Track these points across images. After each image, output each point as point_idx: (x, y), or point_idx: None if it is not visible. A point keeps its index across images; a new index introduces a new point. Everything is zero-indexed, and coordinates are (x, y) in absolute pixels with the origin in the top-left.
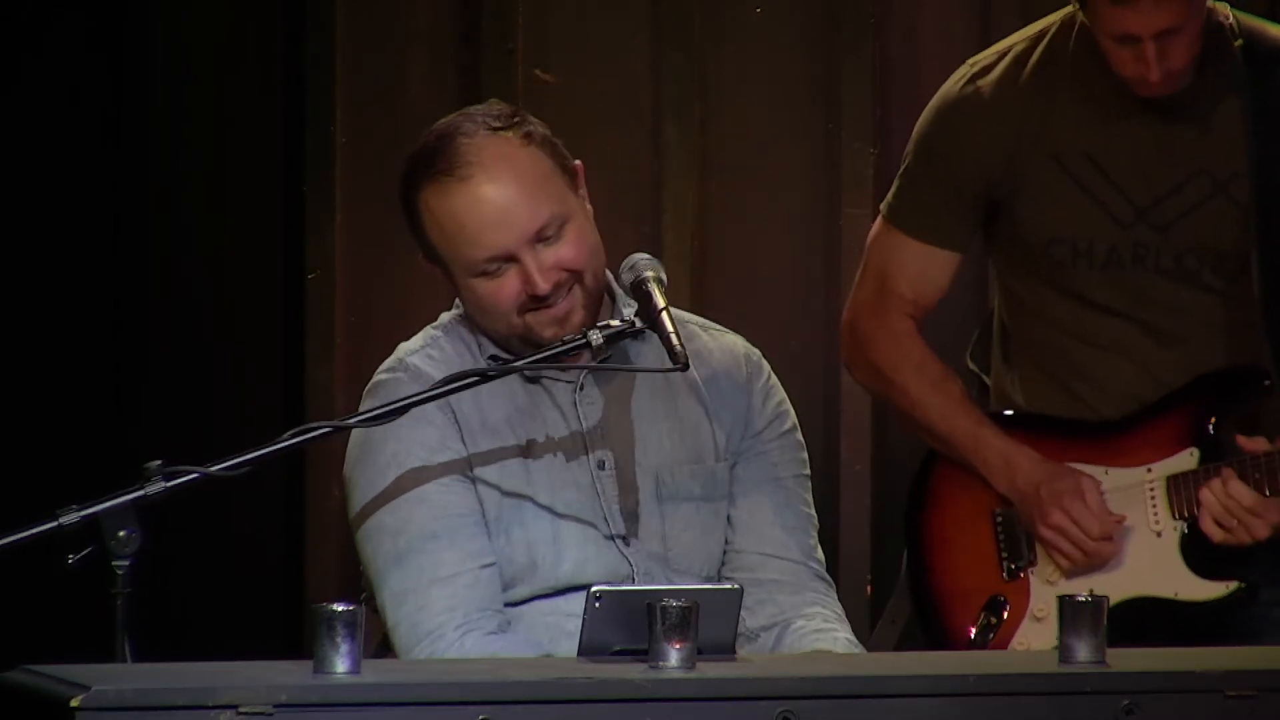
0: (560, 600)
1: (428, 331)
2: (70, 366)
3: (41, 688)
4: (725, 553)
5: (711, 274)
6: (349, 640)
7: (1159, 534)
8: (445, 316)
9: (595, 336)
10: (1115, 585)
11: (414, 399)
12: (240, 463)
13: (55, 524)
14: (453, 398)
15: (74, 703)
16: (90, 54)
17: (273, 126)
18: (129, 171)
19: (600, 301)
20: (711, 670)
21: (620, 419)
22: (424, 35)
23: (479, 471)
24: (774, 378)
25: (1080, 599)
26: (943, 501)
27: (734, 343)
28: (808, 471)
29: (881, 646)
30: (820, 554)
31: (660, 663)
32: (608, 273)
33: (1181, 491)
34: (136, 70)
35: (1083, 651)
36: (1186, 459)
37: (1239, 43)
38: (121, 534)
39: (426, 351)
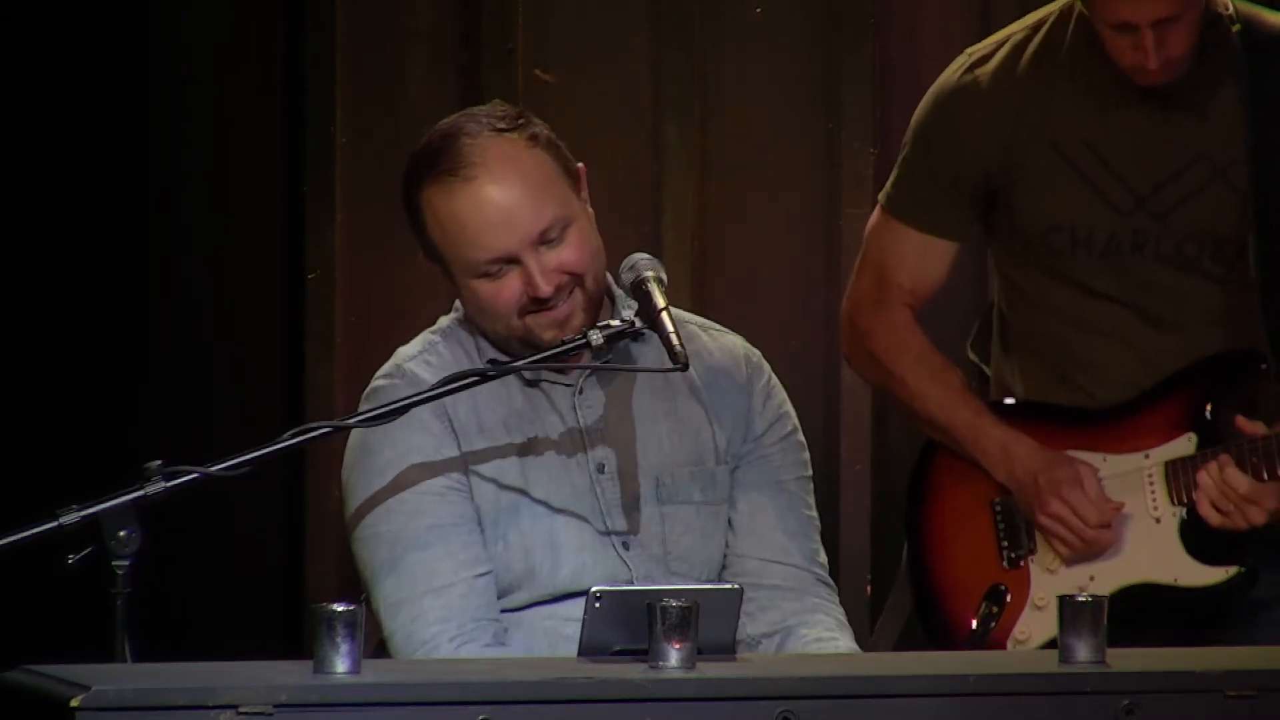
0: (559, 606)
1: (425, 336)
2: (70, 366)
3: (41, 688)
4: (726, 557)
5: (711, 274)
6: (349, 640)
7: (1158, 520)
8: (444, 321)
9: (595, 337)
10: (1115, 572)
11: (415, 399)
12: (240, 463)
13: (55, 524)
14: (449, 403)
15: (74, 703)
16: (90, 54)
17: (273, 126)
18: (129, 171)
19: (600, 305)
20: (711, 670)
21: (620, 421)
22: (424, 35)
23: (475, 478)
24: (774, 379)
25: (1080, 599)
26: (942, 492)
27: (734, 343)
28: (809, 473)
29: (883, 638)
30: (823, 557)
31: (660, 663)
32: (608, 275)
33: (1180, 477)
34: (136, 70)
35: (1083, 651)
36: (1184, 444)
37: (1237, 28)
38: (121, 534)
39: (424, 357)
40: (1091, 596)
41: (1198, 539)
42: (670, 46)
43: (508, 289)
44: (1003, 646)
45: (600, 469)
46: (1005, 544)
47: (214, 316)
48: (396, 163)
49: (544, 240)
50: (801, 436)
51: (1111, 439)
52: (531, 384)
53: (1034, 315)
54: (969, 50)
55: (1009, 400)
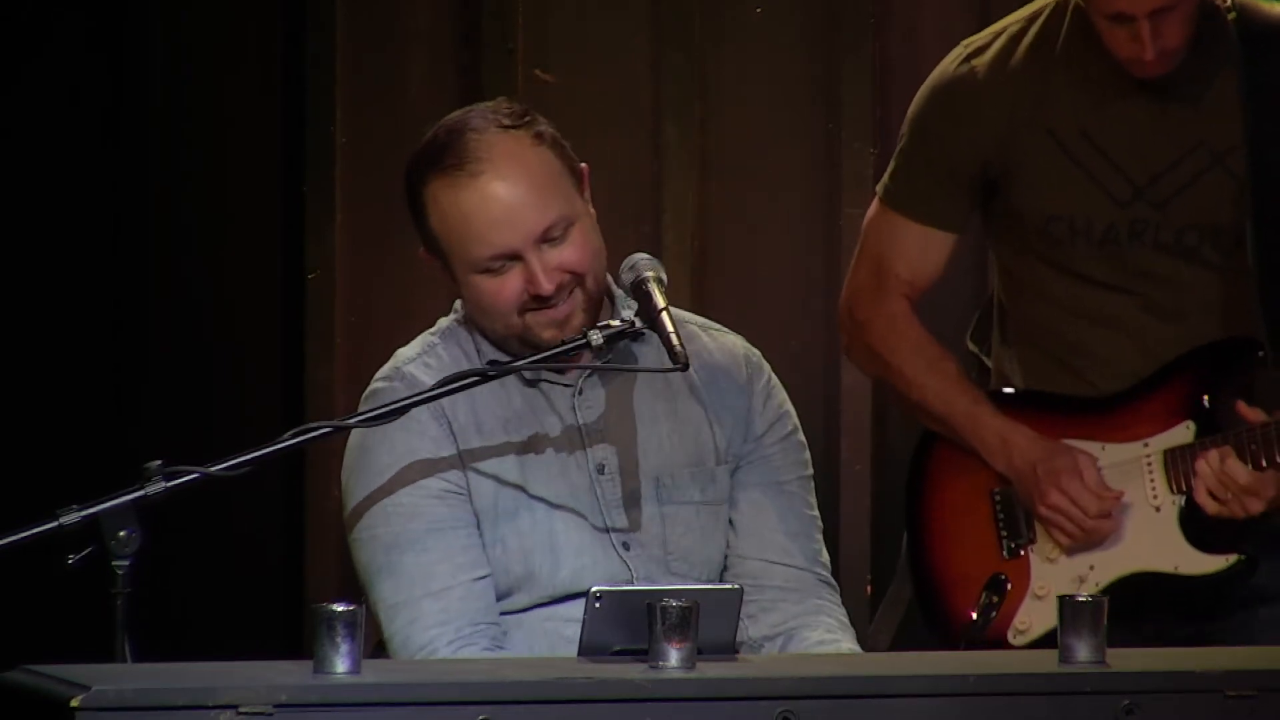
0: (559, 607)
1: (424, 338)
2: (70, 366)
3: (41, 688)
4: (728, 558)
5: (711, 274)
6: (349, 640)
7: (1158, 508)
8: (443, 322)
9: (595, 336)
10: (1115, 561)
11: (415, 398)
12: (240, 463)
13: (55, 524)
14: (448, 404)
15: (74, 703)
16: (90, 54)
17: (273, 126)
18: (129, 171)
19: (600, 305)
20: (711, 670)
21: (620, 421)
22: (424, 35)
23: (474, 477)
24: (774, 379)
25: (1080, 599)
26: (941, 483)
27: (734, 344)
28: (810, 472)
29: (883, 631)
30: (825, 557)
31: (660, 663)
32: (608, 275)
33: (1179, 465)
34: (136, 70)
35: (1083, 651)
36: (1183, 432)
37: (1233, 17)
38: (121, 534)
39: (423, 360)
40: (1091, 596)
41: (1197, 527)
42: (670, 46)
43: (509, 286)
44: (1003, 636)
45: (600, 470)
46: (1004, 534)
47: (214, 316)
48: (396, 163)
49: (547, 238)
50: (802, 436)
51: (1110, 428)
52: (531, 384)
53: (1033, 305)
54: (966, 41)
55: (1007, 390)
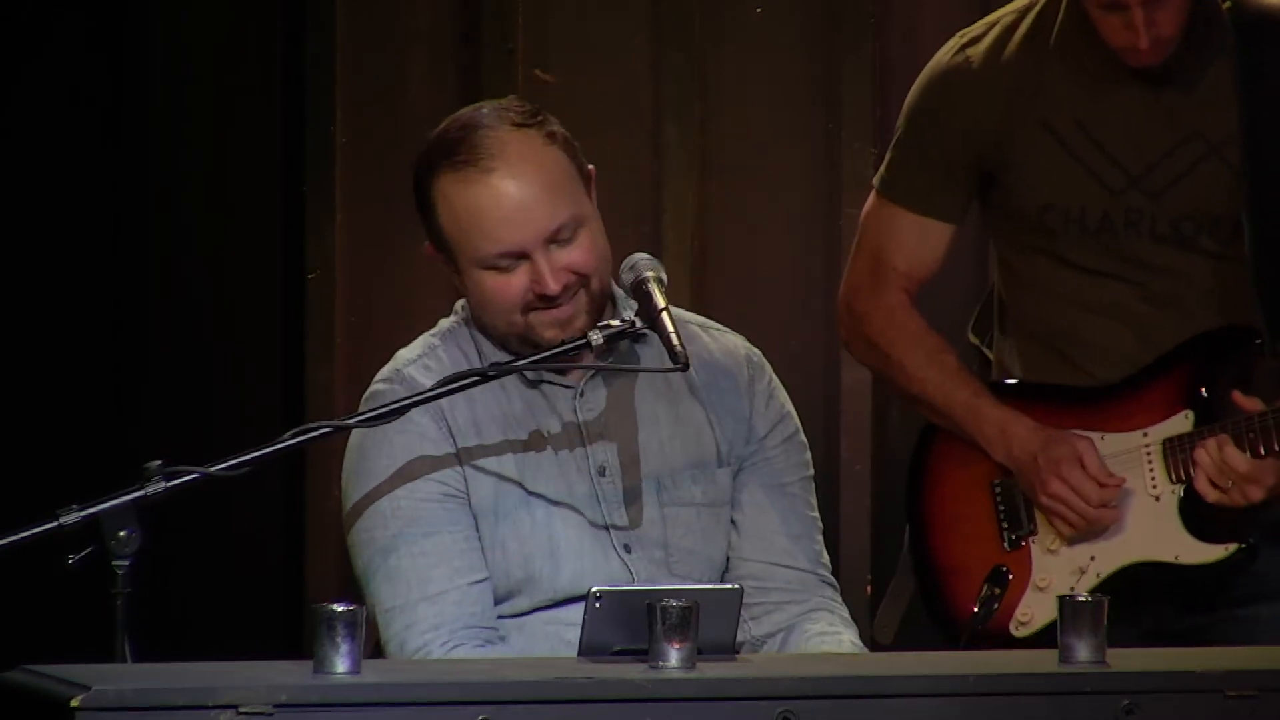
0: (560, 610)
1: (425, 340)
2: (70, 366)
3: (41, 688)
4: (729, 560)
5: (711, 274)
6: (349, 640)
7: (1157, 498)
8: (444, 323)
9: (595, 336)
10: (1115, 551)
11: (415, 399)
12: (240, 463)
13: (55, 524)
14: (447, 406)
15: (74, 703)
16: (90, 54)
17: (273, 126)
18: (129, 171)
19: (603, 309)
20: (711, 670)
21: (621, 423)
22: (424, 35)
23: (473, 480)
24: (776, 379)
25: (1080, 599)
26: (942, 475)
27: (735, 344)
28: (811, 473)
29: (885, 624)
30: (826, 558)
31: (660, 663)
32: (611, 279)
33: (1177, 455)
34: (136, 70)
35: (1083, 651)
36: (1181, 421)
37: (1227, 6)
38: (121, 534)
39: (423, 362)
40: (1092, 596)
41: (1197, 517)
42: (670, 46)
43: (514, 284)
44: (1005, 628)
45: (601, 472)
46: (1005, 525)
47: (214, 316)
48: (396, 163)
49: (556, 239)
50: (803, 437)
51: (1109, 418)
52: (532, 386)
53: (1031, 296)
54: (961, 32)
55: (1007, 381)
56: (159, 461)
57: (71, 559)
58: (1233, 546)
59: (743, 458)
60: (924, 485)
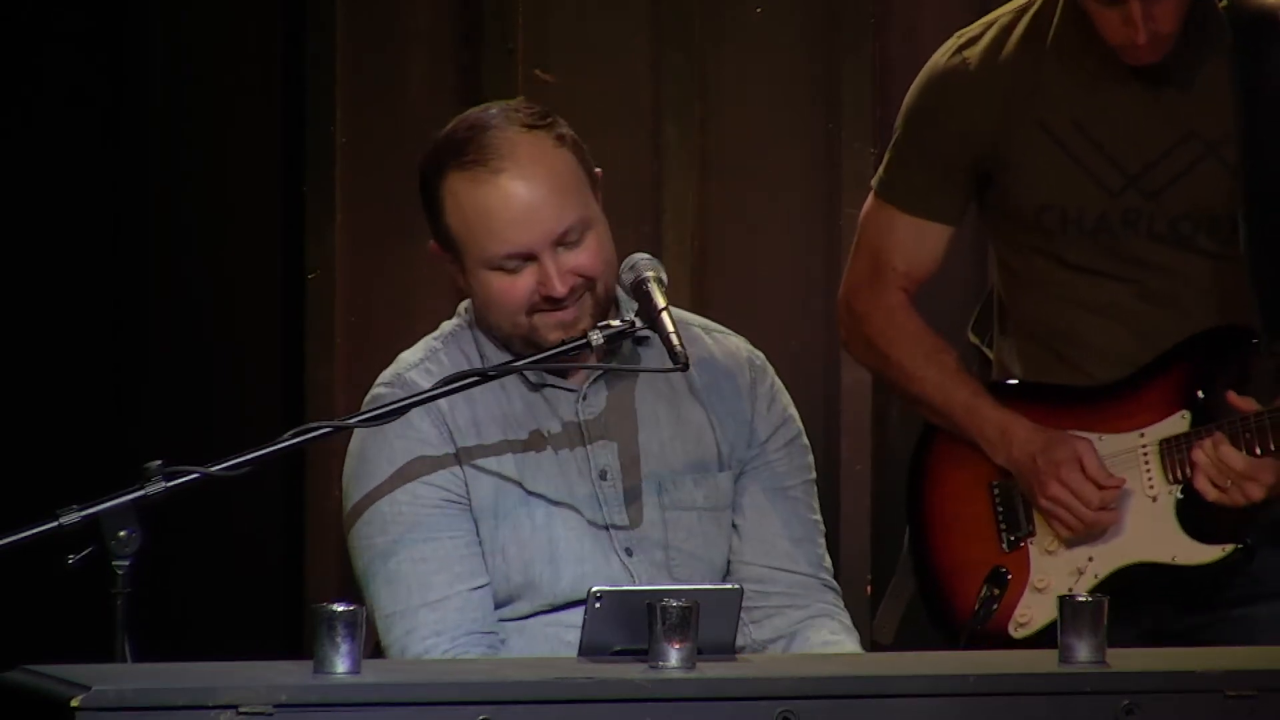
0: (561, 614)
1: (428, 342)
2: (70, 366)
3: (41, 688)
4: (731, 563)
5: (711, 274)
6: (349, 640)
7: (1154, 499)
8: (447, 325)
9: (595, 337)
10: (1113, 552)
11: (416, 399)
12: (240, 463)
13: (55, 524)
14: (448, 408)
15: (74, 703)
16: (90, 54)
17: (273, 126)
18: (129, 171)
19: (607, 312)
20: (711, 670)
21: (622, 424)
22: (424, 35)
23: (473, 480)
24: (778, 381)
25: (1080, 599)
26: (941, 475)
27: (737, 346)
28: (813, 476)
29: (885, 624)
30: (828, 561)
31: (660, 663)
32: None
33: (1175, 455)
34: (136, 70)
35: (1083, 651)
36: (1178, 422)
37: (1224, 4)
38: (121, 534)
39: (425, 365)
40: (1092, 596)
41: (1195, 517)
42: (670, 46)
43: (520, 285)
44: (1004, 629)
45: (603, 475)
46: (1004, 526)
47: (214, 316)
48: (396, 163)
49: (564, 241)
50: (805, 440)
51: (1106, 418)
52: (534, 388)
53: (1029, 296)
54: (958, 33)
55: (1007, 381)
56: (159, 461)
57: (71, 559)
58: (1230, 547)
59: (744, 461)
60: (924, 486)
